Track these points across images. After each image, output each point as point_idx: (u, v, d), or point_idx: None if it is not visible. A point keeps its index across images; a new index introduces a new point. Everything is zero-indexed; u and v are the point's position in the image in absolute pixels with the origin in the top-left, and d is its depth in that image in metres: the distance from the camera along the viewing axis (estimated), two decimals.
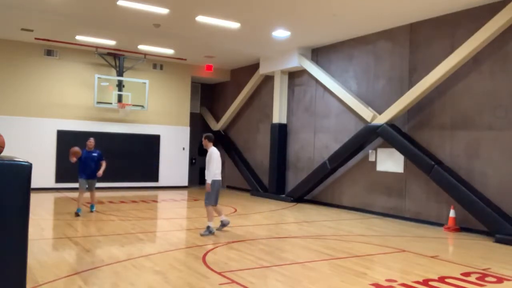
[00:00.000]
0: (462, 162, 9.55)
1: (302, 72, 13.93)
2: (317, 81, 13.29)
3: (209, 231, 8.05)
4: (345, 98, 12.02)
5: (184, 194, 15.18)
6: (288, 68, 14.03)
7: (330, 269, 6.04)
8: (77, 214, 9.70)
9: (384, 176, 11.27)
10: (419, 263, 6.52)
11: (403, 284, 5.36)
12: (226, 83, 18.28)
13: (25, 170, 3.41)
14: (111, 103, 15.16)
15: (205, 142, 8.43)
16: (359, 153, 11.81)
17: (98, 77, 14.92)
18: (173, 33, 12.60)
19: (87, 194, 10.39)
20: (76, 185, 14.95)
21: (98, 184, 15.33)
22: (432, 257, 6.93)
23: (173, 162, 16.67)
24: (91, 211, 10.33)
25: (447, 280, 5.63)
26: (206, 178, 8.19)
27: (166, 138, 16.62)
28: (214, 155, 8.18)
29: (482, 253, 7.48)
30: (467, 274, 5.96)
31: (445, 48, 9.87)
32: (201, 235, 7.97)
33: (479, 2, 9.17)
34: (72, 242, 7.15)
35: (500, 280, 5.73)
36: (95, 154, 10.19)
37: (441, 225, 9.75)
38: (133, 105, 15.45)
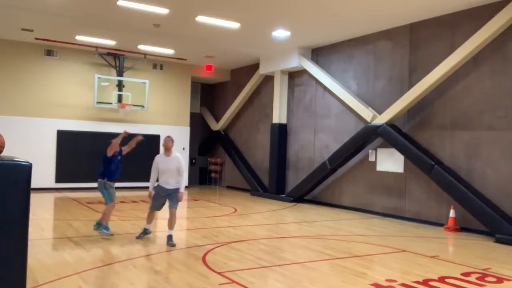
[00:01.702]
0: (462, 162, 9.55)
1: (302, 72, 13.92)
2: (317, 81, 13.28)
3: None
4: (345, 98, 12.02)
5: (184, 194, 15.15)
6: (288, 68, 14.02)
7: (330, 269, 6.04)
8: (109, 233, 7.56)
9: (384, 176, 11.26)
10: (419, 263, 6.52)
11: (403, 284, 5.36)
12: (226, 83, 18.28)
13: (25, 170, 3.41)
14: (111, 103, 15.16)
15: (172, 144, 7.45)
16: (359, 153, 11.81)
17: (98, 77, 14.92)
18: (173, 33, 12.60)
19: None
20: (75, 185, 15.16)
21: (97, 184, 15.50)
22: (432, 257, 6.93)
23: None
24: (102, 230, 7.69)
25: (447, 280, 5.64)
26: (182, 188, 7.50)
27: None
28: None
29: (482, 253, 7.48)
30: (467, 274, 5.96)
31: (445, 48, 9.87)
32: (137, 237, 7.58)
33: (479, 2, 9.17)
34: (72, 242, 7.15)
35: (500, 280, 5.73)
36: (119, 156, 7.97)
37: (441, 225, 9.75)
38: (133, 105, 15.45)
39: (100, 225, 7.69)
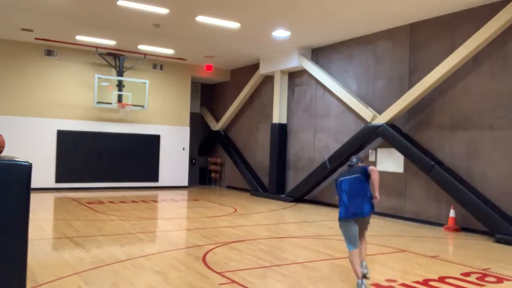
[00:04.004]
0: (462, 162, 9.55)
1: (302, 72, 13.92)
2: (317, 81, 13.28)
3: None
4: (345, 98, 12.02)
5: (184, 194, 15.18)
6: (288, 68, 14.02)
7: (330, 269, 6.05)
8: None
9: (384, 176, 11.25)
10: (419, 263, 6.52)
11: (403, 284, 5.36)
12: (226, 83, 18.28)
13: (25, 170, 3.41)
14: (111, 103, 15.16)
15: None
16: (359, 153, 11.80)
17: (98, 77, 14.92)
18: (173, 33, 12.60)
19: None
20: (75, 185, 15.18)
21: (97, 184, 15.60)
22: (432, 257, 6.93)
23: (173, 162, 16.67)
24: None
25: (447, 280, 5.64)
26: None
27: (166, 138, 16.62)
28: None
29: (482, 253, 7.48)
30: (467, 274, 5.96)
31: (445, 48, 9.87)
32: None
33: (479, 2, 9.17)
34: (72, 242, 7.15)
35: (500, 280, 5.73)
36: (358, 176, 5.44)
37: (441, 225, 9.75)
38: (133, 105, 15.45)
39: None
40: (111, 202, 12.28)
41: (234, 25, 11.40)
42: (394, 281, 5.49)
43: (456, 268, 6.29)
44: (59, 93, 14.84)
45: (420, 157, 9.90)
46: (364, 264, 5.44)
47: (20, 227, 3.41)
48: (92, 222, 9.08)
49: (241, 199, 14.08)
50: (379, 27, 11.26)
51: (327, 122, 13.01)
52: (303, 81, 14.01)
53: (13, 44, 14.10)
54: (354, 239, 5.36)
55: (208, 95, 19.20)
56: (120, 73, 15.44)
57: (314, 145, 13.47)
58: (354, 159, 5.90)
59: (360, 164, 5.73)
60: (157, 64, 16.46)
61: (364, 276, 5.33)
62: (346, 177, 5.61)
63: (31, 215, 3.58)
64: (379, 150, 11.41)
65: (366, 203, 5.47)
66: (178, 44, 14.05)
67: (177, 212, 11.45)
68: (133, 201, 12.61)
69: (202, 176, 19.02)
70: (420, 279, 5.60)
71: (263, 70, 15.16)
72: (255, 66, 16.00)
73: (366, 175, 5.43)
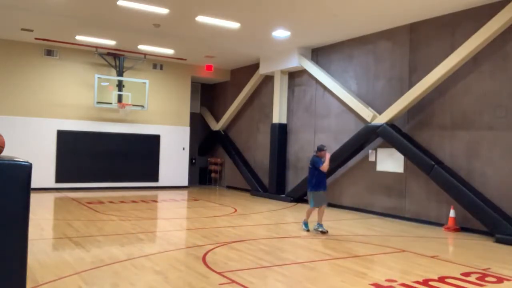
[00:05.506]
0: (462, 162, 9.55)
1: (302, 72, 13.92)
2: (317, 81, 13.28)
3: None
4: (345, 98, 12.02)
5: (184, 194, 15.19)
6: (288, 68, 14.02)
7: (330, 269, 6.05)
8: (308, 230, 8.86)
9: (384, 176, 11.26)
10: (419, 263, 6.52)
11: (403, 284, 5.36)
12: (226, 83, 18.28)
13: (25, 170, 3.41)
14: (111, 103, 15.15)
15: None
16: (359, 153, 11.81)
17: (98, 77, 14.91)
18: (173, 33, 12.60)
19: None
20: (75, 185, 15.17)
21: (97, 184, 15.62)
22: (432, 257, 6.93)
23: (173, 162, 16.67)
24: (320, 231, 8.66)
25: (447, 280, 5.64)
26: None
27: (166, 138, 16.62)
28: None
29: (482, 253, 7.48)
30: (467, 274, 5.96)
31: (445, 48, 9.87)
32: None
33: (479, 2, 9.17)
34: (72, 242, 7.15)
35: (500, 280, 5.74)
36: (310, 166, 8.94)
37: (441, 225, 9.75)
38: (133, 105, 15.45)
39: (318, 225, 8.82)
40: (111, 202, 12.27)
41: (234, 25, 11.40)
42: (394, 281, 5.49)
43: (456, 268, 6.29)
44: (59, 93, 14.84)
45: (420, 157, 9.90)
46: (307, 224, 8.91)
47: (20, 227, 3.41)
48: (92, 222, 9.08)
49: (241, 199, 14.08)
50: (379, 27, 11.27)
51: (327, 122, 13.01)
52: (303, 81, 14.02)
53: (13, 44, 14.10)
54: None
55: (208, 95, 19.20)
56: (120, 73, 15.44)
57: (314, 145, 13.46)
58: (316, 148, 8.99)
59: (320, 153, 8.80)
60: (157, 64, 16.46)
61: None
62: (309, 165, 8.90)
63: (31, 215, 3.58)
64: (379, 150, 11.41)
65: (309, 184, 8.81)
66: (178, 44, 14.05)
67: (177, 212, 11.45)
68: (133, 201, 12.61)
69: (202, 176, 19.02)
70: (420, 279, 5.60)
71: (263, 70, 15.16)
72: (255, 66, 16.00)
73: (314, 166, 8.67)
